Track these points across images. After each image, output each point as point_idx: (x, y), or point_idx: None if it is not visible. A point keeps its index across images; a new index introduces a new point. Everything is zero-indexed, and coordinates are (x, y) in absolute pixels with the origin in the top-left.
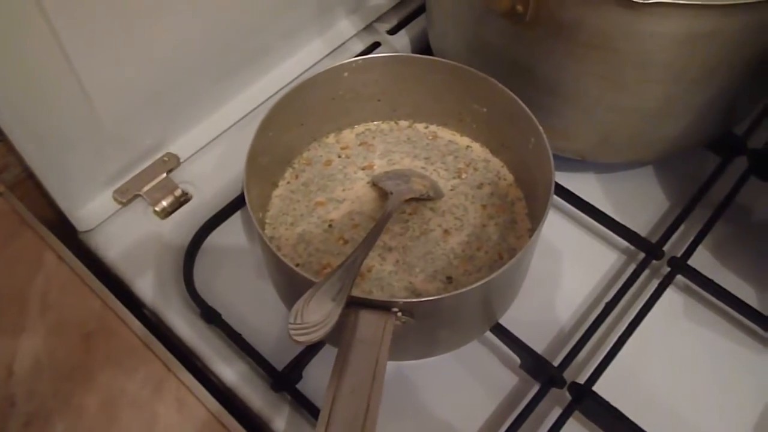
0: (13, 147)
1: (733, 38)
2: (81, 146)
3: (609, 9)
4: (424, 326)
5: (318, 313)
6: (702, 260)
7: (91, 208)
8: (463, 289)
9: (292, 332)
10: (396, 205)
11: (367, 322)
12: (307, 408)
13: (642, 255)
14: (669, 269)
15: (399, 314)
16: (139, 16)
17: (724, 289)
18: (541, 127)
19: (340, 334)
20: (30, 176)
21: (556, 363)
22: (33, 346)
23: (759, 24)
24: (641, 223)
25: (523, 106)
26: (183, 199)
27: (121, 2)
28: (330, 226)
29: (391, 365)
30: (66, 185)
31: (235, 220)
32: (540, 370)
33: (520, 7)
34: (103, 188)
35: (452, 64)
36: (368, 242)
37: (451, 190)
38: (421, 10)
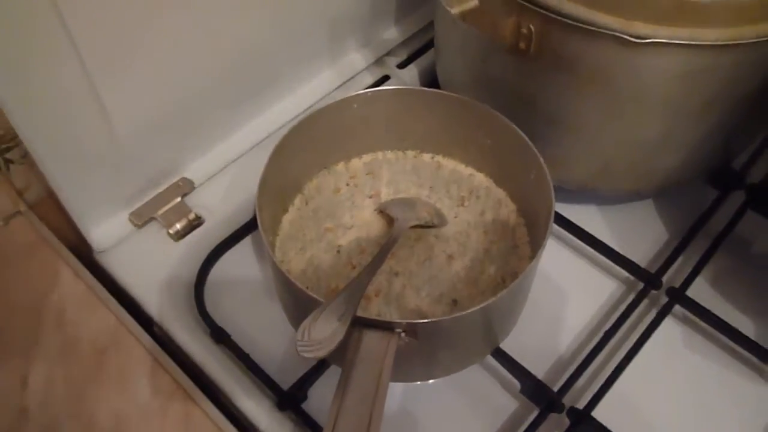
0: (36, 167)
1: (728, 75)
2: (101, 169)
3: (607, 46)
4: (427, 347)
5: (324, 332)
6: (700, 291)
7: (108, 229)
8: (465, 312)
9: (299, 348)
10: (401, 231)
11: (371, 341)
12: (311, 427)
13: (641, 285)
14: (667, 299)
15: (402, 335)
16: (160, 44)
17: (722, 320)
18: (542, 159)
19: (344, 354)
20: (51, 196)
21: (555, 388)
22: (47, 360)
23: (753, 61)
24: (641, 254)
25: (526, 138)
26: (196, 223)
27: (144, 29)
28: (338, 251)
29: (392, 387)
30: (85, 206)
31: (246, 243)
32: (540, 395)
33: (523, 44)
34: (120, 210)
35: (458, 97)
36: (374, 266)
37: (455, 217)
38: (429, 45)
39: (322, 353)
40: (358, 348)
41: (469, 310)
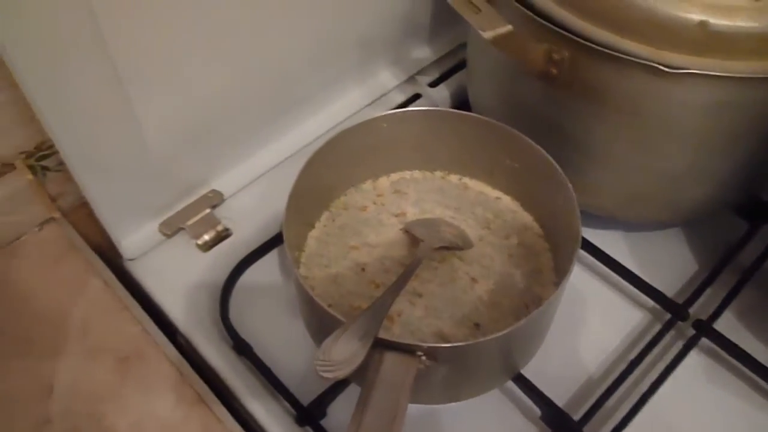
0: (70, 175)
1: (758, 109)
2: (132, 179)
3: (637, 74)
4: (447, 371)
5: (345, 352)
6: (727, 324)
7: (138, 238)
8: (488, 337)
9: (318, 368)
10: (426, 252)
11: (392, 363)
12: None
13: (668, 316)
14: (694, 331)
15: (423, 358)
16: (195, 61)
17: (749, 355)
18: (570, 186)
19: (364, 374)
20: (84, 204)
21: (576, 417)
22: (72, 367)
23: None
24: (668, 284)
25: (554, 163)
26: (224, 234)
27: (180, 46)
28: (363, 269)
29: (410, 409)
30: (116, 215)
31: (272, 257)
32: (560, 423)
33: (554, 70)
34: (150, 220)
35: (487, 120)
36: (397, 286)
37: (480, 240)
38: (461, 65)
39: (341, 374)
40: (379, 369)
41: (491, 336)
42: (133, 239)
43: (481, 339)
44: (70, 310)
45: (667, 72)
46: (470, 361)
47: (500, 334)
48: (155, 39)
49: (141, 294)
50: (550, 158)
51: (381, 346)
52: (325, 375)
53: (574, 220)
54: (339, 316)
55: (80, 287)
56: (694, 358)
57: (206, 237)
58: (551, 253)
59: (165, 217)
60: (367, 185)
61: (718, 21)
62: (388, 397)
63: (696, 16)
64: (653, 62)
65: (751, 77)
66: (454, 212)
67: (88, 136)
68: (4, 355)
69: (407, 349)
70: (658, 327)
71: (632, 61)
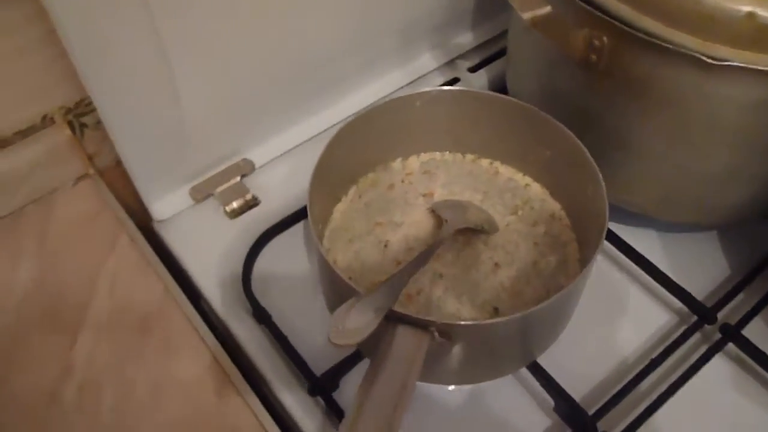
0: (107, 135)
1: None
2: (167, 143)
3: (681, 66)
4: (461, 351)
5: (357, 321)
6: (757, 332)
7: (168, 201)
8: (503, 318)
9: (331, 334)
10: (450, 232)
11: (404, 337)
12: (339, 417)
13: (694, 318)
14: (720, 335)
15: (436, 334)
16: (237, 36)
17: None
18: (600, 175)
19: (376, 346)
20: (119, 164)
21: (591, 411)
22: (97, 320)
23: None
24: (698, 287)
25: (586, 152)
26: (252, 203)
27: (224, 20)
28: (385, 246)
29: (423, 388)
30: (148, 176)
31: (298, 229)
32: (573, 416)
33: (594, 56)
34: (182, 184)
35: (521, 104)
36: (416, 263)
37: (506, 225)
38: (502, 52)
39: (352, 341)
40: (391, 342)
41: (506, 317)
42: (164, 202)
43: (496, 320)
44: (99, 266)
45: (712, 64)
46: (485, 343)
47: (516, 315)
48: (200, 10)
49: (168, 256)
50: (582, 146)
51: (395, 319)
52: (336, 341)
53: (602, 210)
54: (355, 287)
55: (110, 244)
56: (718, 363)
57: (234, 205)
58: (578, 244)
59: (196, 183)
60: (397, 164)
61: (766, 13)
62: (398, 370)
63: (744, 7)
64: (697, 53)
65: None
66: (483, 196)
67: (126, 97)
68: (36, 305)
69: (420, 324)
70: (683, 329)
71: (675, 51)
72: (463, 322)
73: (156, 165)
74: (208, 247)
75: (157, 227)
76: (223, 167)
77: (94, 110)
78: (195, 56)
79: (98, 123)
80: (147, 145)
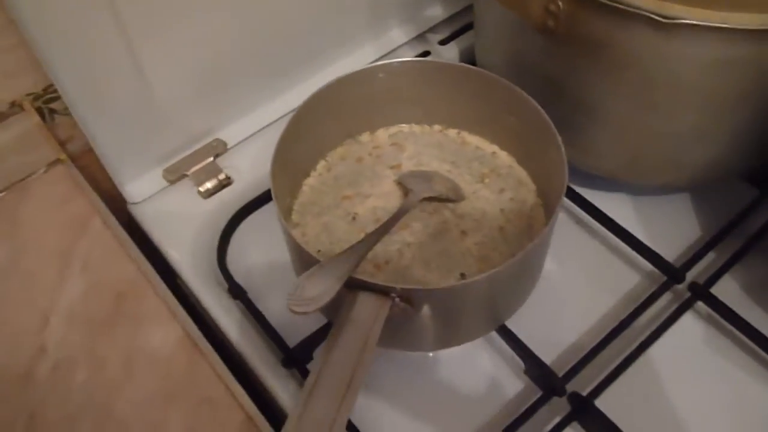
0: None
1: (763, 65)
2: (138, 125)
3: (637, 27)
4: (426, 317)
5: (317, 289)
6: (727, 291)
7: (141, 183)
8: (462, 281)
9: (289, 301)
10: (414, 202)
11: (364, 303)
12: None
13: (664, 279)
14: (689, 294)
15: (397, 300)
16: (200, 6)
17: (747, 321)
18: (560, 139)
19: (338, 313)
20: (92, 149)
21: (561, 373)
22: (70, 300)
23: None
24: (670, 249)
25: (545, 115)
26: (225, 183)
27: None
28: (353, 218)
29: (395, 355)
30: (120, 159)
31: (271, 207)
32: (543, 377)
33: (551, 22)
34: (154, 166)
35: (484, 72)
36: (379, 232)
37: (473, 193)
38: (472, 24)
39: (310, 308)
40: (351, 309)
41: (466, 281)
42: (137, 184)
43: (456, 283)
44: (72, 248)
45: (666, 23)
46: (449, 307)
47: (476, 278)
48: None
49: (144, 237)
50: (542, 111)
51: (356, 286)
52: (295, 309)
53: (561, 169)
54: (315, 255)
55: (83, 227)
56: (687, 321)
57: (208, 185)
58: (544, 209)
59: (169, 164)
60: (365, 137)
61: None
62: (357, 336)
63: None
64: (650, 12)
65: (757, 29)
66: (451, 166)
67: (91, 81)
68: (8, 288)
69: (381, 290)
70: (653, 289)
71: (629, 11)
72: (421, 287)
73: (127, 148)
74: (183, 228)
75: (131, 209)
76: (195, 148)
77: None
78: (159, 35)
79: (67, 108)
80: (116, 128)
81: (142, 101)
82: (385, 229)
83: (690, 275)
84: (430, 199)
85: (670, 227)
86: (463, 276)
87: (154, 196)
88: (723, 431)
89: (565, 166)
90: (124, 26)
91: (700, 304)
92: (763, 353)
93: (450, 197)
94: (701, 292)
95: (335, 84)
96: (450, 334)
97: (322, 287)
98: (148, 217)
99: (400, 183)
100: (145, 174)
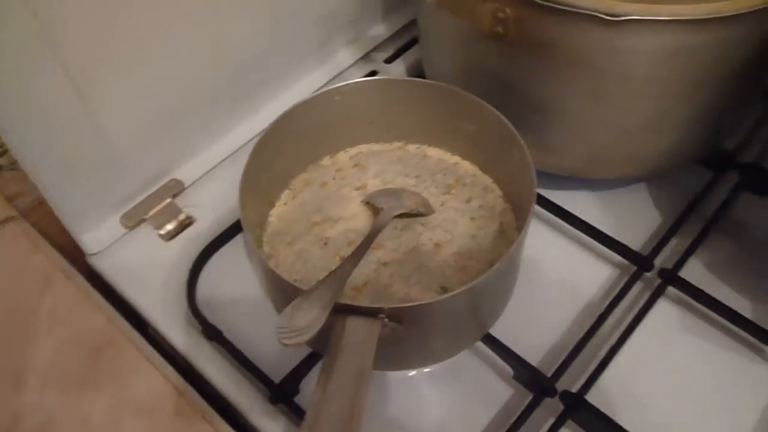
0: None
1: (710, 53)
2: (90, 173)
3: (584, 27)
4: (414, 334)
5: (305, 319)
6: (695, 273)
7: (99, 232)
8: (449, 294)
9: (279, 334)
10: (386, 220)
11: (354, 328)
12: None
13: (634, 268)
14: (660, 281)
15: (386, 320)
16: (147, 47)
17: (717, 300)
18: (522, 142)
19: (328, 341)
20: (44, 202)
21: (549, 374)
22: (41, 361)
23: (735, 38)
24: (635, 238)
25: (506, 121)
26: (187, 223)
27: (129, 31)
28: (326, 243)
29: (383, 376)
30: (75, 210)
31: (237, 242)
32: (533, 380)
33: (501, 29)
34: (111, 213)
35: (438, 84)
36: (357, 254)
37: (441, 205)
38: (416, 39)
39: (302, 339)
40: (341, 335)
41: (452, 293)
42: (95, 234)
43: (444, 296)
44: (36, 306)
45: (612, 21)
46: (436, 322)
47: (462, 289)
48: (104, 30)
49: (108, 288)
50: (502, 117)
51: (343, 311)
52: (286, 341)
53: (529, 174)
54: (300, 286)
55: (45, 284)
56: (661, 307)
57: (169, 227)
58: (513, 213)
59: (126, 210)
60: (326, 161)
61: None
62: (352, 361)
63: None
64: (596, 12)
65: (698, 19)
66: (416, 181)
67: (40, 132)
68: None
69: (369, 312)
70: (625, 280)
71: (575, 12)
72: (410, 304)
73: (81, 198)
74: (148, 274)
75: (91, 260)
76: (152, 190)
77: (7, 151)
78: (108, 80)
79: (14, 162)
80: (69, 178)
81: (94, 148)
82: (362, 250)
83: (657, 262)
84: (400, 215)
85: (632, 217)
86: (444, 289)
87: (114, 245)
88: (711, 408)
89: (533, 170)
90: (72, 74)
91: (670, 289)
92: (735, 328)
93: (420, 211)
94: (671, 277)
95: (293, 111)
96: (440, 349)
97: (311, 316)
98: (109, 266)
99: (369, 203)
100: (102, 223)
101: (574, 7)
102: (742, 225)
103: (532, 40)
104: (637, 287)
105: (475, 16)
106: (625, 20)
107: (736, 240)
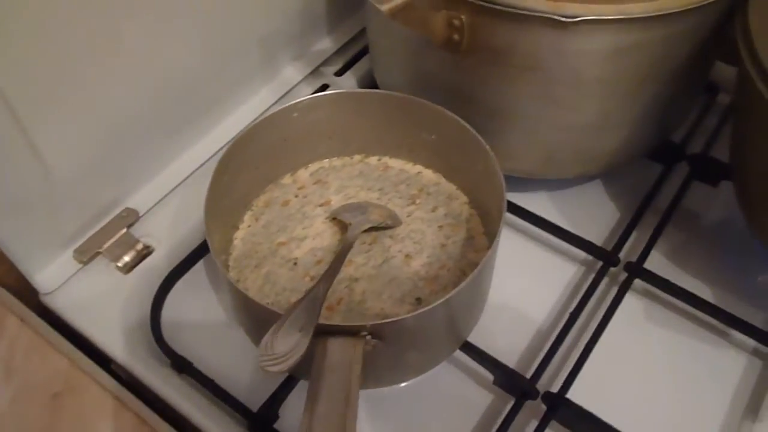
0: None
1: (657, 50)
2: (37, 209)
3: (537, 30)
4: (394, 349)
5: (287, 344)
6: (657, 264)
7: (52, 270)
8: (429, 306)
9: (262, 363)
10: (355, 235)
11: (336, 348)
12: None
13: (599, 264)
14: (626, 274)
15: (368, 338)
16: (90, 79)
17: (683, 289)
18: (489, 149)
19: (310, 365)
20: None
21: (528, 375)
22: None
23: (680, 34)
24: (594, 235)
25: (471, 129)
26: (145, 253)
27: (71, 67)
28: (294, 264)
29: (363, 394)
30: (24, 249)
31: (199, 268)
32: (513, 384)
33: (456, 36)
34: (63, 249)
35: (399, 95)
36: (331, 273)
37: (408, 216)
38: (365, 50)
39: (286, 366)
40: (324, 357)
41: (433, 305)
42: (48, 272)
43: (425, 308)
44: None
45: (565, 22)
46: (417, 335)
47: (441, 300)
48: (45, 64)
49: (66, 327)
50: (466, 124)
51: (323, 333)
52: (270, 369)
53: (498, 182)
54: (276, 309)
55: None
56: (630, 300)
57: (126, 258)
58: (480, 218)
59: (78, 244)
60: (287, 179)
61: None
62: (338, 385)
63: None
64: (550, 14)
65: (646, 17)
66: (379, 193)
67: None
68: None
69: (351, 332)
70: (592, 276)
71: (529, 16)
72: (393, 319)
73: (30, 233)
74: (108, 309)
75: (46, 300)
76: (105, 221)
77: None
78: (51, 113)
79: None
80: (14, 215)
81: (40, 183)
82: (336, 268)
83: (621, 256)
84: (368, 229)
85: (589, 215)
86: (418, 300)
87: (69, 281)
88: (685, 393)
89: (501, 178)
90: (13, 108)
91: (636, 282)
92: (701, 314)
93: (388, 224)
94: (637, 270)
95: (251, 131)
96: (421, 361)
97: (292, 341)
98: (66, 304)
99: (334, 219)
100: (54, 259)
101: (529, 10)
102: (695, 214)
103: (487, 47)
104: (604, 282)
105: (428, 26)
106: (577, 21)
107: (691, 228)
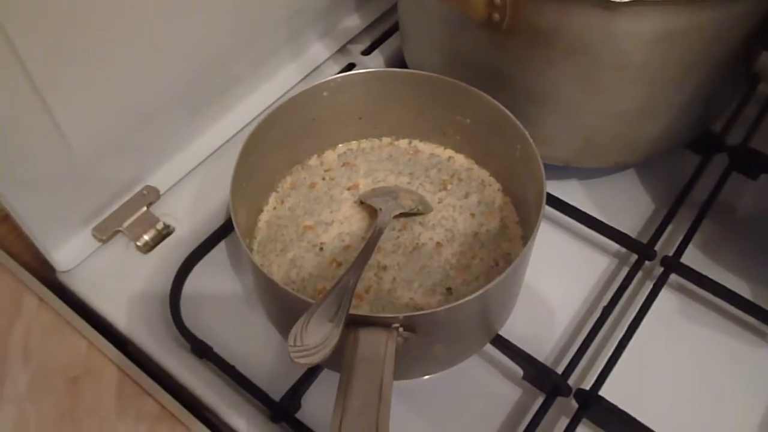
0: None
1: (706, 35)
2: (57, 186)
3: (585, 12)
4: (425, 341)
5: (317, 335)
6: (692, 258)
7: (71, 248)
8: (464, 300)
9: (293, 355)
10: (386, 221)
11: (368, 340)
12: None
13: (634, 257)
14: (662, 269)
15: (400, 330)
16: (112, 54)
17: (720, 285)
18: (527, 134)
19: (341, 356)
20: (7, 218)
21: (559, 371)
22: (16, 397)
23: (730, 19)
24: (628, 226)
25: (508, 113)
26: (165, 233)
27: (93, 43)
28: (321, 249)
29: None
30: (43, 226)
31: (220, 250)
32: (544, 379)
33: (497, 15)
34: (82, 226)
35: (434, 76)
36: (361, 260)
37: (439, 202)
38: (394, 29)
39: (317, 359)
40: (356, 349)
41: (467, 298)
42: (66, 249)
43: (459, 302)
44: (6, 336)
45: (616, 2)
46: (449, 327)
47: (476, 294)
48: (67, 35)
49: (83, 307)
50: (504, 108)
51: (355, 323)
52: (301, 361)
53: (537, 169)
54: (305, 298)
55: (15, 309)
56: (666, 296)
57: (146, 237)
58: (513, 206)
59: (97, 222)
60: (313, 161)
61: None
62: (371, 378)
63: None
64: None
65: (697, 1)
66: (409, 178)
67: (3, 146)
68: None
69: (383, 323)
70: (626, 270)
71: None
72: (426, 312)
73: (49, 211)
74: (127, 289)
75: (63, 279)
76: (125, 199)
77: None
78: (73, 87)
79: None
80: (35, 192)
81: (60, 160)
82: (366, 255)
83: (657, 249)
84: (397, 215)
85: (623, 205)
86: (449, 290)
87: (87, 260)
88: (721, 393)
89: (541, 166)
90: (35, 83)
91: (673, 277)
92: (738, 312)
93: (419, 210)
94: (674, 265)
95: (280, 110)
96: (451, 354)
97: (323, 332)
98: (83, 283)
99: (362, 203)
100: (72, 237)
101: None
102: (733, 207)
103: (530, 27)
104: (639, 276)
105: (467, 3)
106: (628, 2)
107: (730, 222)
